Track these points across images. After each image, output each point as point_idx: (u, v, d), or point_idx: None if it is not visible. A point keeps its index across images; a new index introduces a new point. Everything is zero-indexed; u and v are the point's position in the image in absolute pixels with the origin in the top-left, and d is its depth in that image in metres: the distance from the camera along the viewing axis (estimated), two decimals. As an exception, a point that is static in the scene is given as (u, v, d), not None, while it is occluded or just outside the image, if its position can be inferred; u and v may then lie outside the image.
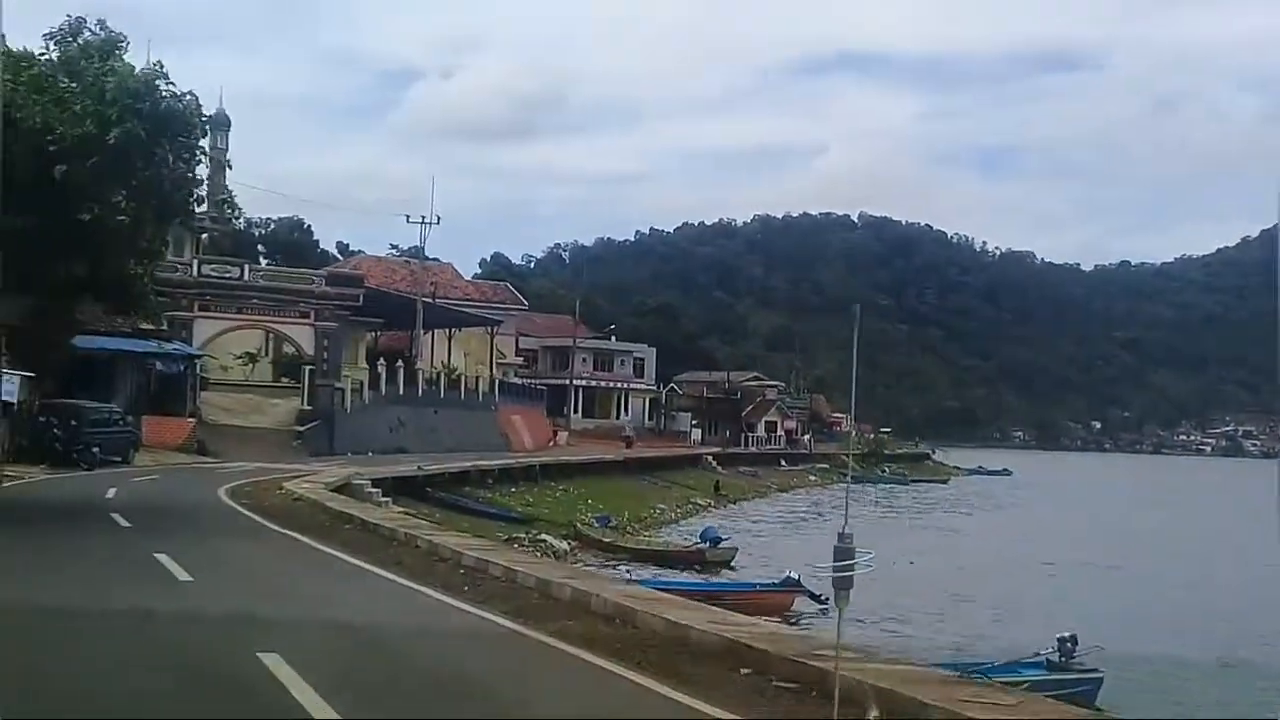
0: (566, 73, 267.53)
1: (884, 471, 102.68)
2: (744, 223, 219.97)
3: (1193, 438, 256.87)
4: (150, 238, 20.97)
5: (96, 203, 18.98)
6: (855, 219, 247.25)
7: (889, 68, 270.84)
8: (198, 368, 52.43)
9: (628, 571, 31.56)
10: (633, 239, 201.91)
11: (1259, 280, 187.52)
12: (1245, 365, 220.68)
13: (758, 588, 30.85)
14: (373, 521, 22.69)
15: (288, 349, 59.70)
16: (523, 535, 38.44)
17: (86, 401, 40.40)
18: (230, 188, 20.61)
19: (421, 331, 69.05)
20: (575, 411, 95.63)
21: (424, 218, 70.67)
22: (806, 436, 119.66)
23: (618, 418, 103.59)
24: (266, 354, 60.67)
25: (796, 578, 29.15)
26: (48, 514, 24.69)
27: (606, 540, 43.72)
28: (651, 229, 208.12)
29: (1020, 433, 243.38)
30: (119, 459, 40.20)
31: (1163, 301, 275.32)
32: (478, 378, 74.00)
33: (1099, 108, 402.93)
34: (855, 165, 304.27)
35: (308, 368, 56.06)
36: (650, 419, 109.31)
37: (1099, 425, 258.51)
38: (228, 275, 56.41)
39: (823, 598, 27.53)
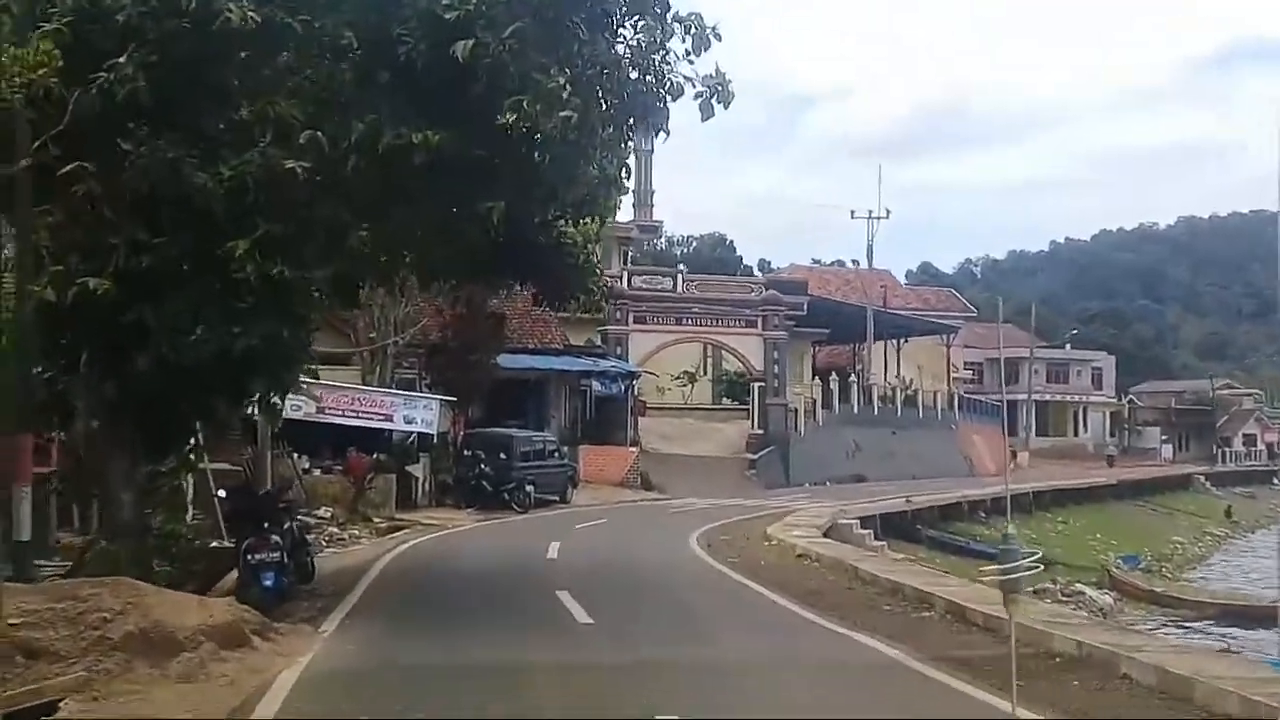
0: (965, 83, 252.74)
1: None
2: (1167, 226, 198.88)
3: None
4: (602, 146, 12.97)
5: (521, 94, 11.39)
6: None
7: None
8: (635, 389, 45.94)
9: None
10: (1046, 249, 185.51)
11: None
12: None
13: None
14: (956, 602, 13.90)
15: (727, 365, 52.80)
16: (1052, 584, 31.41)
17: (517, 430, 35.36)
18: (725, 73, 12.14)
19: (870, 343, 60.41)
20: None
21: (870, 212, 62.28)
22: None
23: (1075, 434, 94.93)
24: (704, 372, 53.79)
25: None
26: (477, 588, 17.67)
27: (1156, 590, 36.69)
28: (1066, 238, 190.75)
29: None
30: (556, 498, 34.86)
31: None
32: (935, 393, 64.73)
33: None
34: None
35: (756, 385, 48.87)
36: (1111, 434, 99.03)
37: None
38: (660, 286, 49.95)
39: None
